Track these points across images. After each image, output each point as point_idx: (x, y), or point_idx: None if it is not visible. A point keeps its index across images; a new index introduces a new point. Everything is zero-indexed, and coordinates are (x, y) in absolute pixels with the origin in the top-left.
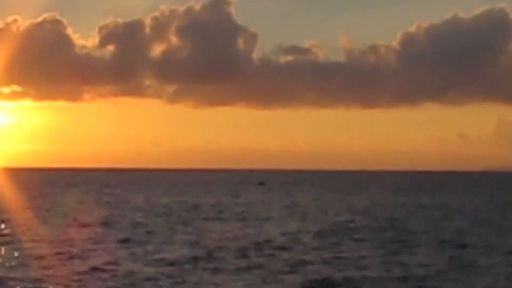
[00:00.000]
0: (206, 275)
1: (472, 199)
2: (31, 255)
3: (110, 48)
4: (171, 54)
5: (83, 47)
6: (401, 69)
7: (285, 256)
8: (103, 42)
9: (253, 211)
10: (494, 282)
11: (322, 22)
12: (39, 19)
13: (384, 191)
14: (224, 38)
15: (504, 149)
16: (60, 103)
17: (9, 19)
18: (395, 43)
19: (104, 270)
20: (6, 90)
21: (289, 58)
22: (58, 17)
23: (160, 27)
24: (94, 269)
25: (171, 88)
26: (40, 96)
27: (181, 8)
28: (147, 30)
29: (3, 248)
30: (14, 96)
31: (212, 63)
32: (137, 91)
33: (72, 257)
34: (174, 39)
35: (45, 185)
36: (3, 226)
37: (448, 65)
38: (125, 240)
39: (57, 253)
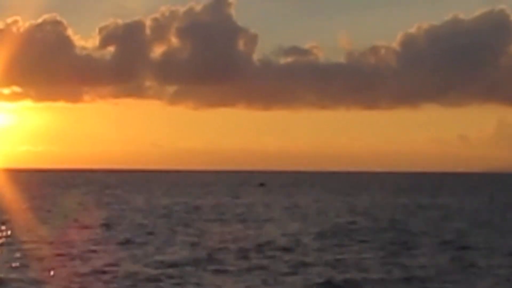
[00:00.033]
0: (207, 277)
1: (472, 200)
2: (31, 256)
3: (111, 49)
4: (172, 55)
5: (84, 48)
6: (401, 70)
7: (286, 257)
8: (104, 43)
9: (253, 212)
10: (495, 284)
11: (322, 23)
12: (40, 20)
13: (385, 192)
14: (224, 39)
15: (504, 150)
16: (60, 104)
17: (10, 20)
18: (395, 44)
19: (104, 272)
20: (6, 91)
21: (290, 59)
22: (58, 18)
23: (160, 28)
24: (95, 270)
25: (171, 89)
26: (40, 97)
27: (182, 9)
28: (148, 31)
29: (3, 249)
30: (14, 97)
31: (213, 64)
32: (138, 92)
33: (72, 258)
34: (174, 40)
35: (45, 186)
36: (3, 227)
37: (448, 66)
38: (125, 242)
39: (58, 254)
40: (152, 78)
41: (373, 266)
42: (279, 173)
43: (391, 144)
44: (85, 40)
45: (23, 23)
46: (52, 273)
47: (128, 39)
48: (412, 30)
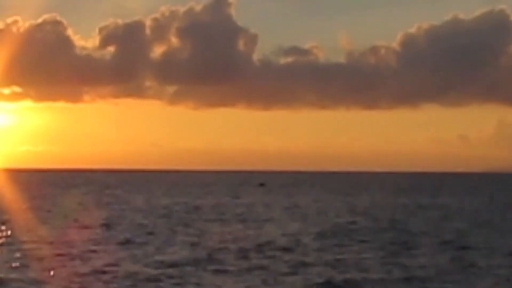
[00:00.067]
0: (207, 277)
1: (472, 200)
2: (31, 256)
3: (111, 49)
4: (172, 55)
5: (84, 48)
6: (401, 70)
7: (286, 257)
8: (104, 43)
9: (253, 212)
10: (495, 284)
11: (322, 23)
12: (40, 20)
13: (385, 192)
14: (224, 39)
15: (504, 150)
16: (60, 104)
17: (10, 20)
18: (395, 44)
19: (104, 272)
20: (6, 91)
21: (289, 59)
22: (58, 18)
23: (160, 28)
24: (95, 270)
25: (171, 89)
26: (40, 97)
27: (182, 9)
28: (148, 31)
29: (3, 249)
30: (14, 97)
31: (213, 64)
32: (138, 92)
33: (72, 259)
34: (174, 40)
35: (45, 186)
36: (3, 227)
37: (448, 66)
38: (125, 242)
39: (58, 254)
40: (152, 78)
41: (373, 266)
42: (279, 173)
43: (391, 144)
44: (85, 40)
45: (23, 23)
46: (52, 273)
47: (128, 39)
48: (412, 30)
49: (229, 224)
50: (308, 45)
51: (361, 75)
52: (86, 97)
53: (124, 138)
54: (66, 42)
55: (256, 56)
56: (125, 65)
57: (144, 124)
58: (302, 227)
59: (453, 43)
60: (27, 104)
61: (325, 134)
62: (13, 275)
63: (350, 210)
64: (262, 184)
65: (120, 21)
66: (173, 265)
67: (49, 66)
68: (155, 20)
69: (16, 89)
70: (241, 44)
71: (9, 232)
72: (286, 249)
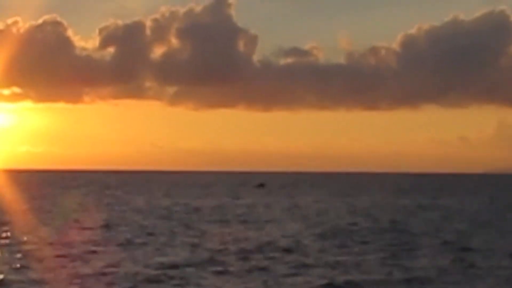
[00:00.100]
0: (207, 278)
1: (473, 201)
2: (32, 257)
3: (111, 50)
4: (172, 56)
5: (84, 48)
6: (401, 71)
7: (287, 259)
8: (104, 44)
9: (254, 213)
10: (495, 285)
11: (322, 24)
12: (40, 20)
13: (385, 193)
14: (224, 40)
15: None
16: (60, 105)
17: (10, 21)
18: (395, 45)
19: (105, 273)
20: (6, 91)
21: (290, 60)
22: (58, 18)
23: (160, 29)
24: (95, 271)
25: (171, 90)
26: (40, 98)
27: (182, 10)
28: (148, 32)
29: (4, 250)
30: (14, 97)
31: (213, 65)
32: (138, 93)
33: (73, 259)
34: (174, 41)
35: (45, 186)
36: (3, 228)
37: (448, 67)
38: (125, 242)
39: (58, 255)
40: (152, 79)
41: (374, 267)
42: (279, 174)
43: (391, 145)
44: (85, 40)
45: (23, 24)
46: (52, 274)
47: (128, 40)
48: (412, 31)
49: (229, 225)
50: (308, 46)
51: (361, 76)
52: (86, 98)
53: (124, 139)
54: (66, 43)
55: (256, 57)
56: (125, 66)
57: (144, 125)
58: (302, 228)
59: (453, 44)
60: (27, 105)
61: (325, 135)
62: (13, 276)
63: (351, 211)
64: (261, 185)
65: (120, 22)
66: (173, 266)
67: (49, 67)
68: (155, 20)
69: (16, 89)
70: (241, 45)
71: (9, 233)
72: (286, 250)
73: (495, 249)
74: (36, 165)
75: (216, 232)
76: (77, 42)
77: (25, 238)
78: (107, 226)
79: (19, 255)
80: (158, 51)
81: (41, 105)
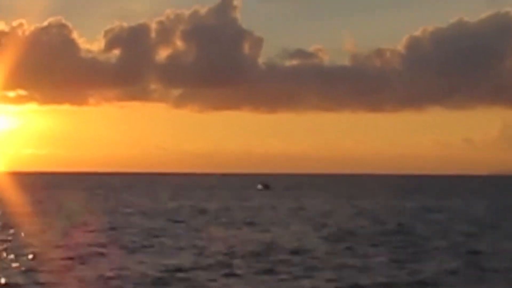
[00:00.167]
0: (215, 280)
1: (478, 202)
2: (37, 260)
3: (116, 52)
4: (177, 58)
5: (89, 51)
6: (406, 73)
7: (295, 261)
8: (109, 46)
9: (260, 215)
10: (504, 287)
11: (327, 26)
12: (45, 23)
13: (390, 195)
14: (229, 43)
15: (509, 153)
16: (65, 107)
17: (15, 23)
18: (400, 47)
19: (111, 276)
20: (11, 94)
21: (294, 62)
22: (63, 21)
23: (165, 31)
24: (101, 274)
25: (176, 92)
26: (45, 100)
27: (187, 12)
28: (153, 34)
29: (9, 253)
30: (19, 100)
31: (218, 67)
32: (143, 95)
33: (78, 262)
34: (179, 43)
35: (50, 189)
36: (8, 230)
37: (453, 69)
38: (132, 245)
39: (63, 258)
40: (157, 81)
41: (381, 270)
42: (284, 176)
43: (396, 146)
44: (90, 43)
45: (29, 26)
46: (57, 277)
47: (133, 42)
48: (417, 33)
49: (236, 228)
50: (313, 48)
51: (366, 78)
52: (91, 100)
53: (129, 141)
54: (71, 45)
55: (261, 59)
56: (130, 68)
57: (149, 127)
58: (309, 231)
59: (458, 46)
60: (32, 107)
61: (330, 136)
62: (19, 279)
63: (357, 213)
64: (266, 186)
65: (125, 24)
66: (180, 269)
67: (54, 69)
68: (160, 23)
69: (21, 92)
70: (246, 47)
71: (14, 236)
72: (294, 253)
73: (502, 251)
74: (41, 168)
75: (223, 234)
76: (82, 44)
77: (30, 241)
78: (113, 229)
79: (24, 258)
80: (163, 54)
81: (46, 107)
